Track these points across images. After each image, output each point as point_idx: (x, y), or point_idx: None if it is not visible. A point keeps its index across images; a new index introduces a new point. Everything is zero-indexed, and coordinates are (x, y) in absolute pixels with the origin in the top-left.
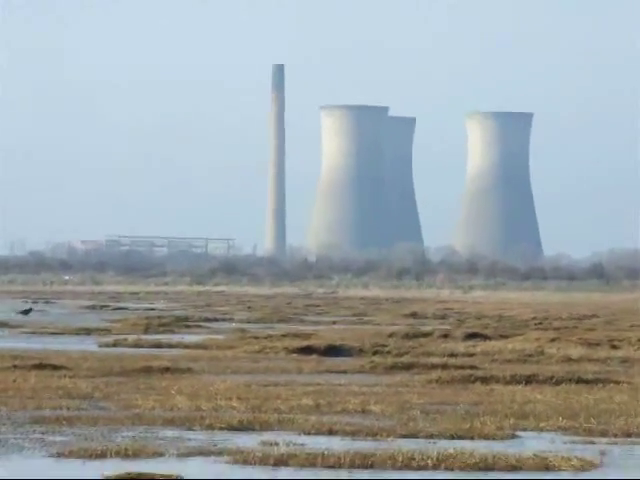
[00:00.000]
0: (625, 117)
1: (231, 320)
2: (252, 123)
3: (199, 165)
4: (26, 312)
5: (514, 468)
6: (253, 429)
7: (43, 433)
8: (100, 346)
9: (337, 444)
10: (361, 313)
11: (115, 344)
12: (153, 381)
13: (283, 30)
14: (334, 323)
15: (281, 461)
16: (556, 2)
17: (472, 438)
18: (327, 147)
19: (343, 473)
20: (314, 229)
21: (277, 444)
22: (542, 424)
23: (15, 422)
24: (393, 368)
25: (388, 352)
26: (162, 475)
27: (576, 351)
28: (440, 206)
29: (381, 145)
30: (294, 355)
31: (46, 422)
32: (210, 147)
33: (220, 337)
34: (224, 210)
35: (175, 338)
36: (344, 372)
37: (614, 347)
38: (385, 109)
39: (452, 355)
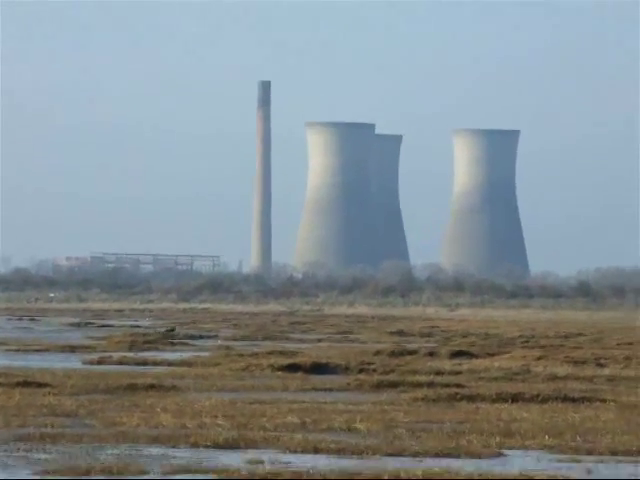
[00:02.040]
0: (613, 136)
1: (216, 337)
2: (238, 140)
3: (184, 181)
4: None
5: None
6: (238, 447)
7: (27, 451)
8: (85, 363)
9: (323, 462)
10: (347, 331)
11: (100, 361)
12: (138, 399)
13: (269, 46)
14: (320, 341)
15: (267, 479)
16: (544, 19)
17: (458, 456)
18: (313, 164)
19: None
20: (300, 246)
21: (262, 462)
22: (528, 442)
23: None
24: (379, 386)
25: (374, 370)
26: None
27: (562, 369)
28: (427, 224)
29: (367, 163)
30: (279, 373)
31: (30, 440)
32: (195, 164)
33: (205, 354)
34: (210, 227)
35: (160, 355)
36: (330, 390)
37: (600, 365)
38: (372, 126)
39: (438, 373)
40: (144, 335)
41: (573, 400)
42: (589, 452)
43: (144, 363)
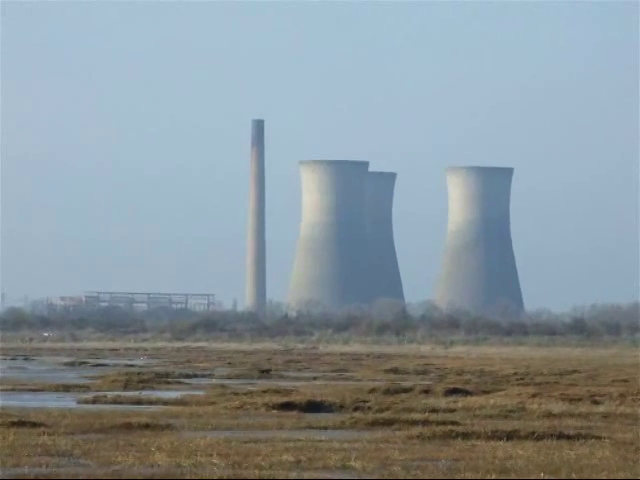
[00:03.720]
0: (608, 172)
1: (211, 376)
2: (232, 178)
3: (178, 219)
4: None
5: None
6: None
7: None
8: (79, 403)
9: None
10: (342, 369)
11: (94, 401)
12: (133, 438)
13: (262, 85)
14: (315, 379)
15: None
16: (536, 56)
17: None
18: (307, 202)
19: None
20: (294, 285)
21: None
22: None
23: None
24: (374, 424)
25: (369, 408)
26: None
27: (557, 406)
28: (421, 261)
29: (361, 200)
30: (274, 411)
31: None
32: (189, 202)
33: (200, 393)
34: (204, 266)
35: (155, 394)
36: (325, 428)
37: (595, 402)
38: (365, 164)
39: (433, 411)
40: (139, 374)
41: (568, 437)
42: None
43: (139, 402)
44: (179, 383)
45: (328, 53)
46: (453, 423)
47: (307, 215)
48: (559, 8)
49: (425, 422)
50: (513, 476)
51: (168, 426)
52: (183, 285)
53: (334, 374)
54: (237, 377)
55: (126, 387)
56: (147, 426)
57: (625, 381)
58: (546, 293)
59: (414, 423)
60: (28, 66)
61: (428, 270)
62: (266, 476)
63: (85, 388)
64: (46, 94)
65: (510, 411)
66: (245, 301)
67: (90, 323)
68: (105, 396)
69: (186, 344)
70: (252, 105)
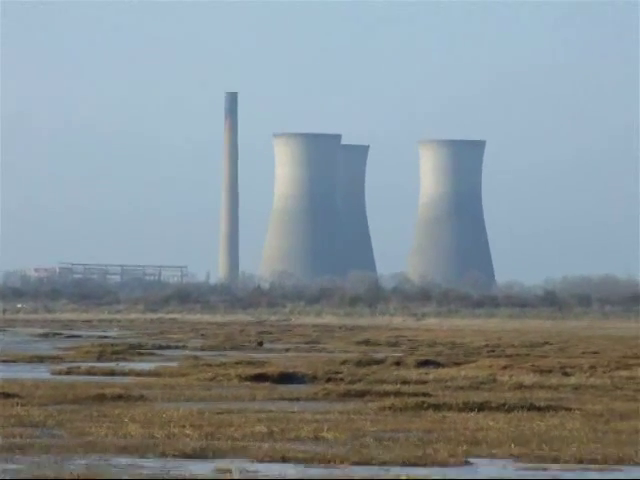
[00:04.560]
0: (579, 144)
1: (184, 348)
2: (205, 150)
3: (151, 191)
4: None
5: None
6: (206, 457)
7: None
8: (53, 374)
9: (290, 471)
10: (314, 340)
11: (68, 372)
12: (106, 409)
13: (236, 58)
14: (287, 350)
15: None
16: (508, 34)
17: (425, 465)
18: (280, 175)
19: None
20: (267, 257)
21: (230, 471)
22: (494, 451)
23: None
24: (346, 395)
25: (341, 379)
26: None
27: (528, 378)
28: (393, 234)
29: (334, 173)
30: (247, 383)
31: None
32: (162, 174)
33: (173, 364)
34: (177, 238)
35: (128, 365)
36: (297, 399)
37: (566, 374)
38: (338, 137)
39: (405, 382)
40: (112, 345)
41: (539, 409)
42: (555, 460)
43: (112, 373)
44: (152, 354)
45: (301, 27)
46: (425, 394)
47: (280, 187)
48: None
49: (397, 393)
50: (484, 447)
51: (141, 397)
52: (156, 257)
53: (307, 346)
54: (210, 349)
55: (100, 358)
56: (120, 397)
57: (595, 353)
58: (517, 266)
59: (386, 394)
60: None
61: (400, 243)
62: (239, 447)
63: (59, 359)
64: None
65: (481, 383)
66: (218, 273)
67: (64, 295)
68: (79, 367)
69: (159, 316)
70: (226, 78)
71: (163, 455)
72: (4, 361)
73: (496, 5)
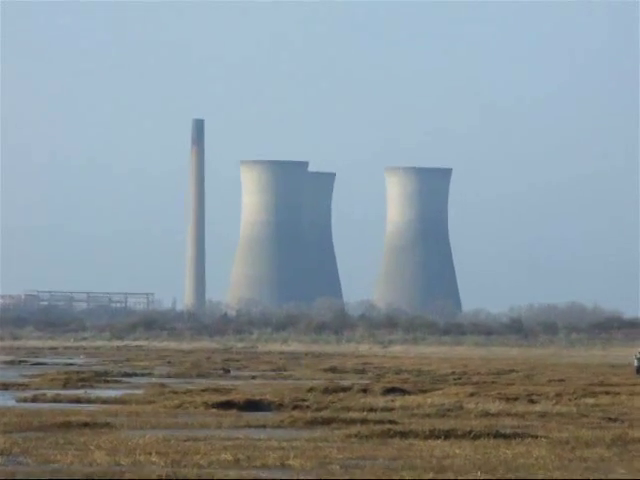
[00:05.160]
0: (542, 174)
1: (150, 375)
2: (172, 177)
3: (118, 219)
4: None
5: None
6: None
7: None
8: (18, 401)
9: None
10: (280, 368)
11: (34, 399)
12: (72, 436)
13: (202, 85)
14: (253, 378)
15: None
16: (475, 57)
17: None
18: (247, 202)
19: None
20: (234, 284)
21: None
22: (461, 478)
23: None
24: (312, 423)
25: (307, 407)
26: None
27: (494, 406)
28: (359, 261)
29: (301, 200)
30: (213, 410)
31: None
32: (128, 201)
33: (139, 392)
34: (143, 265)
35: (94, 393)
36: (263, 427)
37: (532, 402)
38: (305, 164)
39: (371, 410)
40: (78, 373)
41: (505, 436)
42: None
43: (78, 401)
44: (118, 382)
45: (267, 53)
46: (391, 422)
47: (247, 214)
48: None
49: (363, 421)
50: (450, 475)
51: (107, 425)
52: (123, 284)
53: (273, 373)
54: (176, 376)
55: (65, 386)
56: (86, 425)
57: (561, 380)
58: (484, 293)
59: (352, 422)
60: None
61: (367, 270)
62: (205, 475)
63: (24, 386)
64: None
65: (448, 410)
66: (185, 300)
67: (30, 322)
68: (44, 394)
69: (125, 343)
70: (192, 105)
71: None
72: None
73: (464, 35)
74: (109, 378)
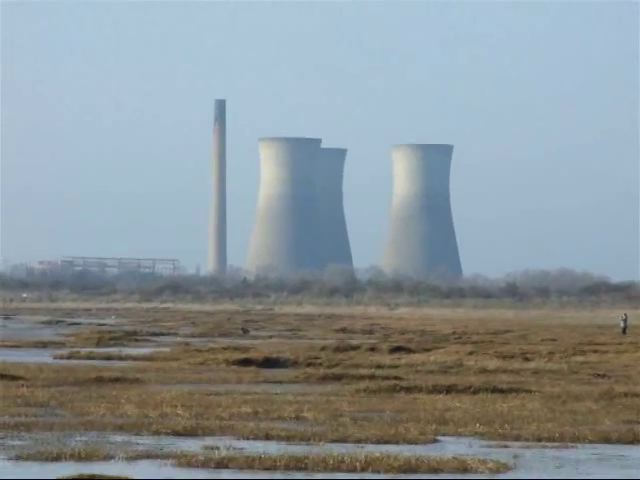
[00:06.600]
0: (540, 141)
1: (176, 335)
2: (196, 153)
3: (148, 192)
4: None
5: (435, 470)
6: (196, 434)
7: (2, 438)
8: (55, 358)
9: (273, 448)
10: (295, 328)
11: (69, 356)
12: (104, 390)
13: (224, 68)
14: (271, 337)
15: (222, 464)
16: (479, 37)
17: (397, 443)
18: (265, 176)
19: (279, 474)
20: (253, 251)
21: (218, 448)
22: (461, 430)
23: None
24: (325, 379)
25: (320, 364)
26: (113, 477)
27: (492, 363)
28: (368, 230)
29: (314, 174)
30: (234, 367)
31: (5, 428)
32: (157, 176)
33: (166, 350)
34: (170, 233)
35: (125, 351)
36: (280, 382)
37: (526, 359)
38: (318, 141)
39: (379, 367)
40: (110, 332)
41: (502, 391)
42: (516, 438)
43: (110, 358)
44: (147, 341)
45: (285, 39)
46: (397, 378)
47: (265, 187)
48: None
49: (371, 377)
50: (452, 426)
51: (136, 380)
52: (151, 251)
53: (288, 333)
54: (200, 335)
55: (98, 344)
56: (117, 380)
57: (553, 340)
58: (482, 260)
59: (361, 378)
60: None
61: (375, 238)
62: (226, 426)
63: (61, 345)
64: None
65: (449, 367)
66: (208, 266)
67: (65, 285)
68: (79, 352)
69: (153, 305)
70: (215, 86)
71: (156, 433)
72: (10, 346)
73: (468, 13)
74: (138, 337)
